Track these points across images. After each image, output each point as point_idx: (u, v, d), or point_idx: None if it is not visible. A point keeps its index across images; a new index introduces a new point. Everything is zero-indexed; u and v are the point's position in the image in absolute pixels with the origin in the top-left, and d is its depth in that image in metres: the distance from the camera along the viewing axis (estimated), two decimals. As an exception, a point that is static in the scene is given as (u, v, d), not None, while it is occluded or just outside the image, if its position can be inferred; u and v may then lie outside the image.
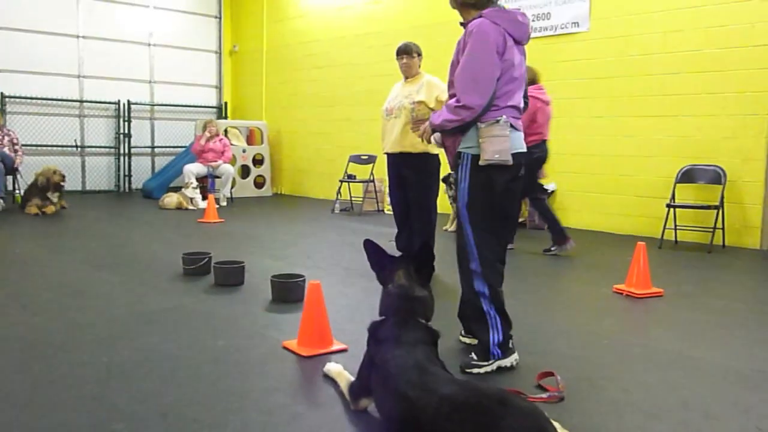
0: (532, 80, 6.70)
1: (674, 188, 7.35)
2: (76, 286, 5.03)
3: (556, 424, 2.39)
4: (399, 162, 5.59)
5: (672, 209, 7.25)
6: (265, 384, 3.10)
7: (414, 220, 5.57)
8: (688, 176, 7.35)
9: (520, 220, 8.68)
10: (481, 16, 3.29)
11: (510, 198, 3.43)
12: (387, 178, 5.80)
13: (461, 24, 3.46)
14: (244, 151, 12.29)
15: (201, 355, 3.51)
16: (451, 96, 3.45)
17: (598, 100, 8.21)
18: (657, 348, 3.77)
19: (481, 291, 3.33)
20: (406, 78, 5.67)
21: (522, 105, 3.47)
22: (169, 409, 2.78)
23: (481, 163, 3.26)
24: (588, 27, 8.23)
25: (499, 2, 3.43)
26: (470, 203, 3.33)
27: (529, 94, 7.48)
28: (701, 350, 3.75)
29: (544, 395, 2.96)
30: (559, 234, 6.72)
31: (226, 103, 13.91)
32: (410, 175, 5.52)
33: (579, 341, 3.89)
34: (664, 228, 7.19)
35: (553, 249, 6.78)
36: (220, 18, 13.82)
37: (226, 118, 13.63)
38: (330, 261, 5.75)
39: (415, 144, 5.33)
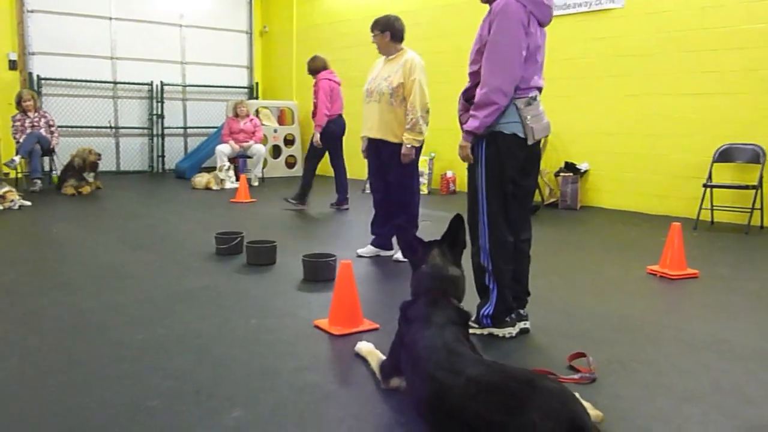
0: (324, 66, 8.17)
1: (711, 168, 7.20)
2: (112, 266, 5.12)
3: (587, 405, 2.38)
4: (379, 148, 5.34)
5: (709, 189, 7.11)
6: (296, 363, 3.13)
7: (397, 201, 5.35)
8: (725, 155, 7.19)
9: (552, 200, 8.62)
10: None
11: (532, 178, 3.60)
12: (366, 161, 5.61)
13: (484, 1, 3.45)
14: (275, 131, 12.33)
15: (233, 334, 3.56)
16: (471, 74, 3.47)
17: (633, 78, 8.05)
18: (691, 330, 3.72)
19: (485, 266, 3.51)
20: (387, 56, 5.35)
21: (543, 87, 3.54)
22: (202, 387, 2.83)
23: (530, 141, 3.38)
24: (623, 3, 8.04)
25: None
26: (488, 179, 3.41)
27: (324, 77, 8.04)
28: (736, 333, 3.69)
29: (575, 376, 2.95)
30: (302, 195, 8.13)
31: (257, 84, 13.95)
32: (391, 160, 5.26)
33: (611, 323, 3.85)
34: (700, 208, 7.06)
35: (292, 200, 8.16)
36: (250, -2, 13.83)
37: (257, 98, 13.67)
38: (361, 240, 5.76)
39: (396, 133, 5.17)
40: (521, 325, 3.62)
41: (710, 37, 7.34)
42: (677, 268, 4.93)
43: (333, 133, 8.04)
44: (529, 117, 3.36)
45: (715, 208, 7.19)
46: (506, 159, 3.39)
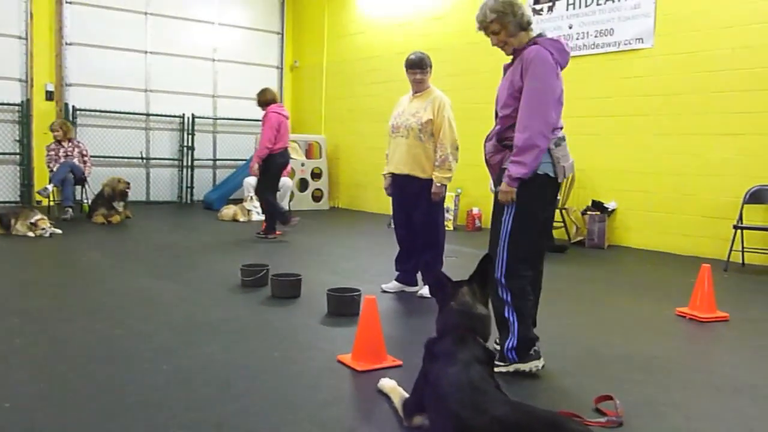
0: (273, 99, 8.37)
1: (742, 209, 7.10)
2: (139, 295, 5.17)
3: (614, 450, 2.33)
4: (404, 184, 5.31)
5: (739, 230, 7.00)
6: (319, 397, 3.12)
7: (423, 238, 5.34)
8: (756, 197, 7.09)
9: (579, 238, 8.55)
10: (535, 43, 3.50)
11: (552, 210, 3.82)
12: (390, 197, 5.61)
13: (511, 53, 3.63)
14: (302, 164, 12.45)
15: (257, 366, 3.56)
16: (503, 117, 3.58)
17: (663, 118, 8.02)
18: (722, 374, 3.64)
19: (504, 298, 3.54)
20: (415, 92, 5.36)
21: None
22: (225, 418, 2.82)
23: (560, 179, 3.56)
24: (652, 43, 8.06)
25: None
26: (517, 216, 3.50)
27: (273, 110, 8.19)
28: (769, 378, 3.61)
29: (602, 419, 2.89)
30: (270, 227, 8.35)
31: (286, 118, 14.13)
32: (419, 197, 5.24)
33: (639, 365, 3.78)
34: (731, 250, 6.95)
35: (261, 234, 8.38)
36: (282, 34, 14.07)
37: (285, 132, 13.83)
38: (386, 275, 5.75)
39: (425, 168, 5.18)
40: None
41: (741, 77, 7.31)
42: (707, 310, 4.84)
43: (279, 164, 8.35)
44: (560, 157, 3.50)
45: (746, 249, 7.08)
46: (538, 198, 3.52)
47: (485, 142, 3.73)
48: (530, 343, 3.52)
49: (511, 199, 3.49)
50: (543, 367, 3.52)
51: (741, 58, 7.31)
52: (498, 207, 3.60)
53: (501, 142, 3.60)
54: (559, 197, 8.11)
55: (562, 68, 3.57)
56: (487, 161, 3.72)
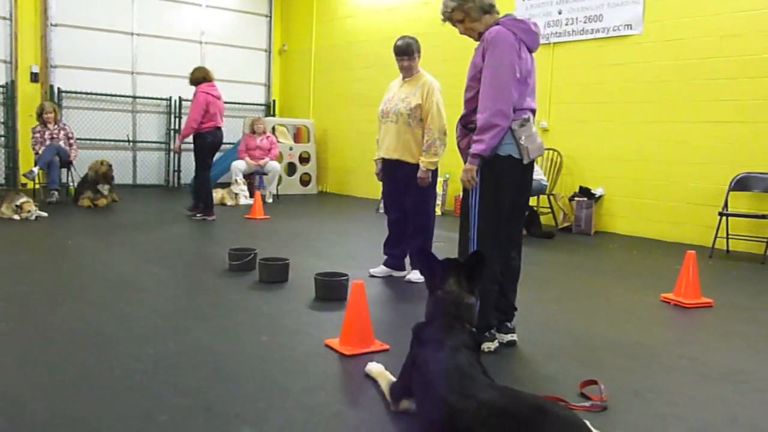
0: (203, 78, 8.31)
1: (727, 196, 7.15)
2: (126, 279, 5.15)
3: (598, 434, 2.36)
4: (395, 168, 5.32)
5: (725, 217, 7.06)
6: (306, 382, 3.13)
7: (412, 224, 5.34)
8: (742, 184, 7.15)
9: (566, 224, 8.58)
10: (497, 24, 3.51)
11: (524, 194, 3.76)
12: (381, 182, 5.63)
13: (477, 38, 3.65)
14: (290, 148, 12.40)
15: (245, 350, 3.56)
16: (467, 101, 3.63)
17: (650, 105, 8.04)
18: (706, 360, 3.68)
19: None
20: (405, 77, 5.33)
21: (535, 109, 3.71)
22: (212, 402, 2.83)
23: (525, 161, 3.55)
24: (641, 30, 8.06)
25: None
26: (483, 199, 3.53)
27: (202, 89, 8.21)
28: (752, 364, 3.65)
29: (586, 404, 2.92)
30: (206, 207, 8.42)
31: (274, 101, 14.06)
32: (408, 182, 5.24)
33: (624, 350, 3.82)
34: (716, 237, 7.00)
35: (192, 213, 8.50)
36: (270, 17, 13.96)
37: (274, 115, 13.77)
38: (374, 260, 5.76)
39: (414, 153, 5.18)
40: (508, 337, 3.74)
41: (728, 65, 7.33)
42: (692, 296, 4.89)
43: (209, 143, 8.35)
44: (523, 137, 3.51)
45: (731, 236, 7.14)
46: (503, 180, 3.53)
47: (455, 127, 3.78)
48: (486, 328, 3.61)
49: (472, 177, 3.53)
50: (494, 349, 3.62)
51: (729, 45, 7.33)
52: (465, 194, 3.65)
53: (466, 126, 3.65)
54: (545, 181, 8.22)
55: (530, 49, 3.57)
56: (457, 145, 3.77)
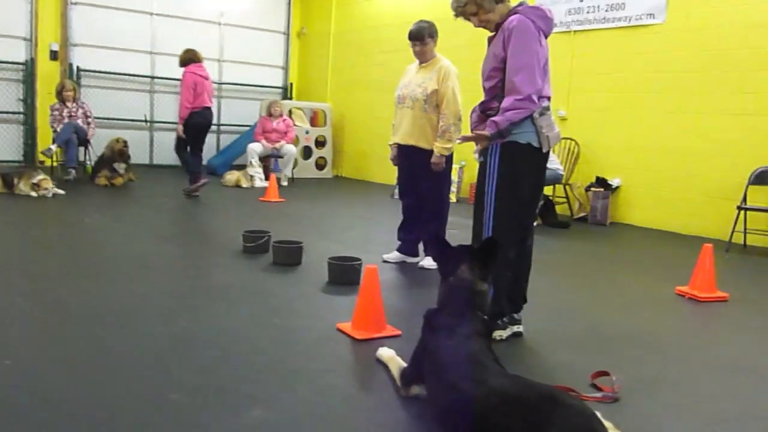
0: (191, 59, 8.47)
1: (746, 190, 7.07)
2: (141, 258, 5.19)
3: (608, 424, 2.34)
4: (410, 154, 5.28)
5: (743, 211, 6.98)
6: (318, 364, 3.14)
7: (427, 210, 5.34)
8: (761, 178, 7.05)
9: (582, 214, 8.54)
10: (515, 12, 3.49)
11: (540, 183, 3.72)
12: (396, 168, 5.62)
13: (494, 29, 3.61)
14: (307, 132, 12.39)
15: (257, 332, 3.57)
16: (489, 89, 3.61)
17: (671, 95, 7.94)
18: (720, 353, 3.66)
19: None
20: (421, 62, 5.29)
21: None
22: (224, 383, 2.84)
23: (544, 149, 3.52)
24: (664, 19, 7.96)
25: None
26: (500, 186, 3.49)
27: (189, 71, 8.36)
28: (766, 359, 3.62)
29: (597, 394, 2.91)
30: (193, 177, 8.56)
31: (291, 84, 14.04)
32: (423, 168, 5.20)
33: (637, 341, 3.80)
34: (733, 231, 6.93)
35: (189, 190, 8.60)
36: (289, 0, 13.91)
37: (291, 98, 13.75)
38: (388, 246, 5.76)
39: (429, 140, 5.14)
40: (514, 328, 3.71)
41: (753, 56, 7.22)
42: (707, 290, 4.85)
43: (195, 124, 8.45)
44: (543, 126, 3.48)
45: (748, 231, 7.06)
46: (521, 168, 3.51)
47: (471, 113, 3.76)
48: (499, 315, 3.60)
49: (482, 144, 3.53)
50: (507, 337, 3.63)
51: (753, 36, 7.21)
52: (480, 182, 3.63)
53: (485, 112, 3.62)
54: (562, 170, 8.16)
55: (546, 35, 3.54)
56: (472, 131, 3.71)
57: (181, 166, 9.07)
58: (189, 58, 8.55)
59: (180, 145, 8.71)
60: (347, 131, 13.00)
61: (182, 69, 8.56)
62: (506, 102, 3.43)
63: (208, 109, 8.54)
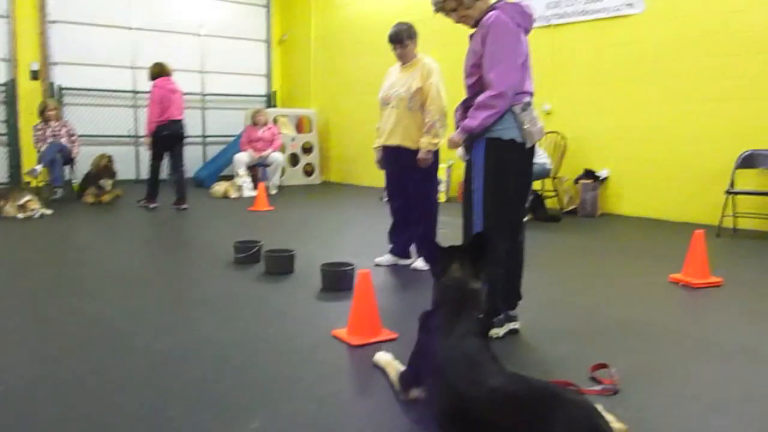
0: (159, 73, 8.56)
1: (734, 174, 7.10)
2: (132, 273, 5.15)
3: (610, 418, 2.33)
4: (396, 155, 5.27)
5: (731, 196, 7.01)
6: (315, 372, 3.12)
7: (416, 211, 5.31)
8: (748, 161, 7.08)
9: (571, 207, 8.55)
10: (495, 9, 3.48)
11: (527, 179, 3.71)
12: (384, 169, 5.59)
13: (474, 23, 3.60)
14: (293, 139, 12.36)
15: (252, 342, 3.55)
16: (470, 86, 3.61)
17: (654, 84, 7.97)
18: (716, 339, 3.66)
19: None
20: (403, 63, 5.29)
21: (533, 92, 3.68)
22: (221, 395, 2.82)
23: (528, 145, 3.51)
24: (642, 8, 7.98)
25: None
26: (486, 184, 3.49)
27: (157, 85, 8.45)
28: (764, 341, 3.62)
29: (597, 387, 2.90)
30: (151, 195, 8.78)
31: (275, 92, 14.00)
32: (410, 168, 5.18)
33: (633, 331, 3.79)
34: (723, 215, 6.95)
35: (142, 203, 8.83)
36: (268, 7, 13.88)
37: (275, 106, 13.71)
38: (379, 249, 5.74)
39: (415, 139, 5.12)
40: (510, 326, 3.69)
41: (733, 41, 7.25)
42: (700, 276, 4.86)
43: (165, 137, 8.52)
44: (526, 121, 3.48)
45: (738, 215, 7.09)
46: (506, 164, 3.50)
47: (455, 111, 3.75)
48: (493, 314, 3.57)
49: (457, 145, 3.58)
50: (503, 335, 3.60)
51: (734, 21, 7.24)
52: (467, 179, 3.63)
53: (467, 110, 3.61)
54: (550, 165, 8.17)
55: (526, 31, 3.54)
56: (455, 128, 3.72)
57: (158, 180, 9.04)
58: (158, 72, 8.58)
59: (154, 157, 8.79)
60: (333, 136, 12.98)
61: (152, 82, 8.56)
62: (481, 97, 3.44)
63: (177, 122, 8.55)
